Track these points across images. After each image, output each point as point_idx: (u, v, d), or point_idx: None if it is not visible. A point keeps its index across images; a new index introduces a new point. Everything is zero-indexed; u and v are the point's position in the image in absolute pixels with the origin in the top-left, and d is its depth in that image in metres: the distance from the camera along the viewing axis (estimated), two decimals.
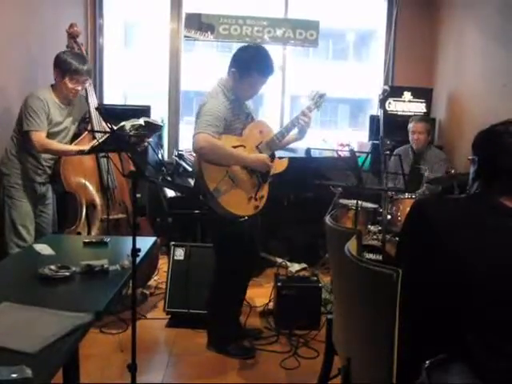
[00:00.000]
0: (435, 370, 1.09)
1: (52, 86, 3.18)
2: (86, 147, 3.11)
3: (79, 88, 3.15)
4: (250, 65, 2.69)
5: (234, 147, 2.72)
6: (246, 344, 2.98)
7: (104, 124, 3.33)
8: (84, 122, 3.46)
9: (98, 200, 3.37)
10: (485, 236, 1.38)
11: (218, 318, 2.93)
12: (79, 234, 3.25)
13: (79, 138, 3.35)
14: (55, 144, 3.17)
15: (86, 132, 3.37)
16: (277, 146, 2.89)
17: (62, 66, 3.07)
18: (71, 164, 3.29)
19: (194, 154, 2.69)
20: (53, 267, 1.86)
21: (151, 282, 3.84)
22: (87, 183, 3.34)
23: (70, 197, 3.37)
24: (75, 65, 3.06)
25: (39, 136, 3.05)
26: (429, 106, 5.22)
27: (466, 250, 1.34)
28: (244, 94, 2.80)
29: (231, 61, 2.75)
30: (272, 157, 2.88)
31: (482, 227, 1.39)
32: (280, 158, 3.00)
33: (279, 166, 2.95)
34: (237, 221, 2.73)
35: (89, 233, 3.30)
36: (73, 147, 3.20)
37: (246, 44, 2.88)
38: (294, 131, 2.96)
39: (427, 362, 1.10)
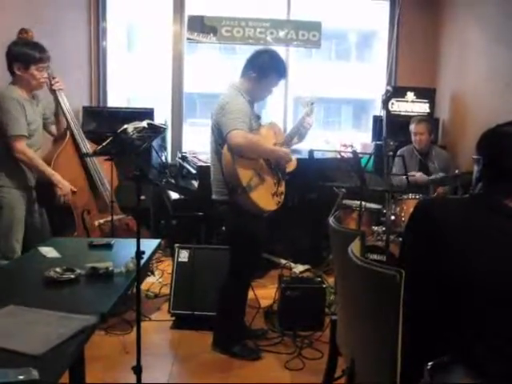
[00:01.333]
0: (438, 371, 1.08)
1: (13, 83, 3.01)
2: (59, 177, 3.09)
3: (46, 75, 3.08)
4: (269, 66, 2.84)
5: None
6: (251, 345, 2.99)
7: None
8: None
9: (91, 204, 3.37)
10: (488, 237, 1.37)
11: (226, 319, 2.95)
12: None
13: (62, 145, 3.28)
14: (40, 161, 3.07)
15: (68, 137, 3.31)
16: (288, 146, 3.03)
17: (23, 58, 2.94)
18: (60, 172, 3.19)
19: (225, 151, 2.69)
20: (58, 270, 1.87)
21: (155, 284, 3.85)
22: (79, 189, 3.29)
23: (61, 205, 3.24)
24: (38, 54, 2.98)
25: (23, 144, 2.95)
26: (432, 106, 5.21)
27: (469, 251, 1.34)
28: (259, 95, 2.93)
29: (248, 65, 2.87)
30: None
31: (485, 228, 1.39)
32: None
33: (290, 166, 3.07)
34: (261, 215, 2.84)
35: (88, 237, 3.30)
36: (53, 173, 3.11)
37: (259, 49, 2.99)
38: None
39: (429, 363, 1.09)
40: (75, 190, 3.21)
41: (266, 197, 2.83)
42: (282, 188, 2.99)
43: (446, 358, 1.10)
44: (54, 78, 3.25)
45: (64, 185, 3.15)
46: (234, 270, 2.92)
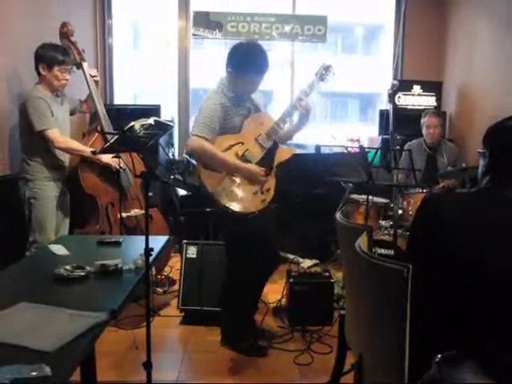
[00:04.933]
0: (446, 365, 1.08)
1: (38, 82, 3.18)
2: (98, 156, 3.15)
3: (69, 77, 3.22)
4: (245, 64, 2.68)
5: (232, 145, 2.73)
6: (260, 342, 2.98)
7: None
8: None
9: (115, 199, 3.41)
10: (497, 232, 1.37)
11: (231, 316, 2.95)
12: (103, 233, 3.32)
13: (91, 139, 3.39)
14: (75, 143, 3.24)
15: (97, 133, 3.41)
16: (278, 133, 2.84)
17: (47, 60, 3.12)
18: (89, 167, 3.34)
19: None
20: (68, 267, 1.89)
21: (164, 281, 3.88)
22: (106, 184, 3.40)
23: (87, 198, 3.41)
24: (61, 56, 3.15)
25: (55, 133, 3.10)
26: (439, 100, 5.19)
27: (477, 246, 1.33)
28: (242, 90, 2.78)
29: (226, 60, 2.75)
30: (275, 145, 2.85)
31: (494, 223, 1.38)
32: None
33: (285, 154, 2.91)
34: (246, 218, 2.70)
35: (111, 232, 3.37)
36: (88, 148, 3.20)
37: (239, 42, 2.86)
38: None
39: (438, 356, 1.09)
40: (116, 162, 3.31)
41: (244, 198, 2.69)
42: (269, 184, 2.81)
43: (455, 353, 1.10)
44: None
45: (104, 158, 3.27)
46: (230, 268, 2.91)
